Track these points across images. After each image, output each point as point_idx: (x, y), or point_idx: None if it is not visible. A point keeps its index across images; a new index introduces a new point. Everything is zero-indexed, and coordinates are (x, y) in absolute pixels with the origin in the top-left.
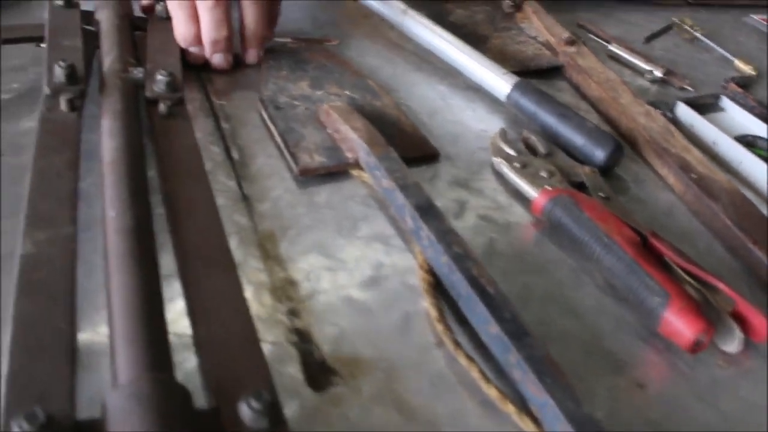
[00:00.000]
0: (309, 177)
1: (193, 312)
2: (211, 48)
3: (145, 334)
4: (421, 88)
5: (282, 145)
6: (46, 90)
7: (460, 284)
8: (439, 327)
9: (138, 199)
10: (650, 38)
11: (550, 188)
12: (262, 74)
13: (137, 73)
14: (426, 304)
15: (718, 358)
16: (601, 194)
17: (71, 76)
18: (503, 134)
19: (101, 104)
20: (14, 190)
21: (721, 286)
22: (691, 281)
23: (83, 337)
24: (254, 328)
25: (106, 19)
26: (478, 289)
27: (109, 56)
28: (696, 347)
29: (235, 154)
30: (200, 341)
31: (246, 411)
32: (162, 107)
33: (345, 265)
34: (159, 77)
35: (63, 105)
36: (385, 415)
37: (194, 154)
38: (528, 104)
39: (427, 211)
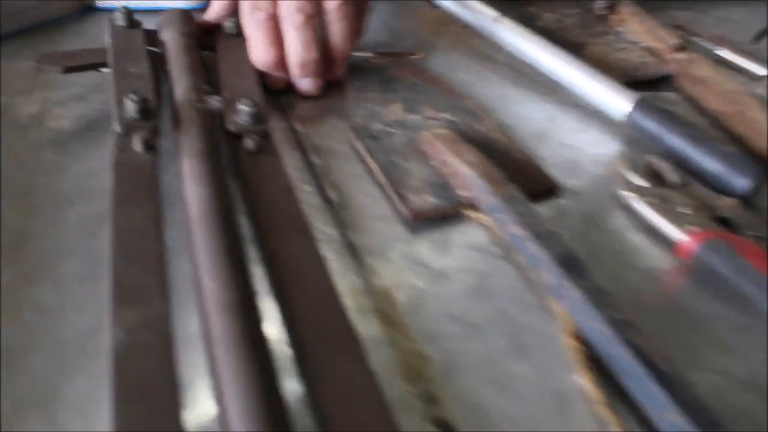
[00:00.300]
0: (420, 221)
1: (318, 405)
2: (299, 71)
3: None
4: (523, 107)
5: (385, 183)
6: (117, 128)
7: (623, 359)
8: (605, 412)
9: (240, 266)
10: (759, 37)
11: (699, 229)
12: (348, 97)
13: (214, 102)
14: (581, 381)
15: None
16: (752, 233)
17: (144, 111)
18: (628, 162)
19: (178, 141)
20: (92, 245)
21: None
22: None
23: None
24: (394, 423)
25: (171, 39)
26: (650, 367)
27: (180, 83)
28: None
29: (331, 194)
30: None
31: None
32: (249, 143)
33: (481, 333)
34: (242, 107)
35: (137, 145)
36: None
37: (291, 198)
38: (652, 125)
39: (572, 266)
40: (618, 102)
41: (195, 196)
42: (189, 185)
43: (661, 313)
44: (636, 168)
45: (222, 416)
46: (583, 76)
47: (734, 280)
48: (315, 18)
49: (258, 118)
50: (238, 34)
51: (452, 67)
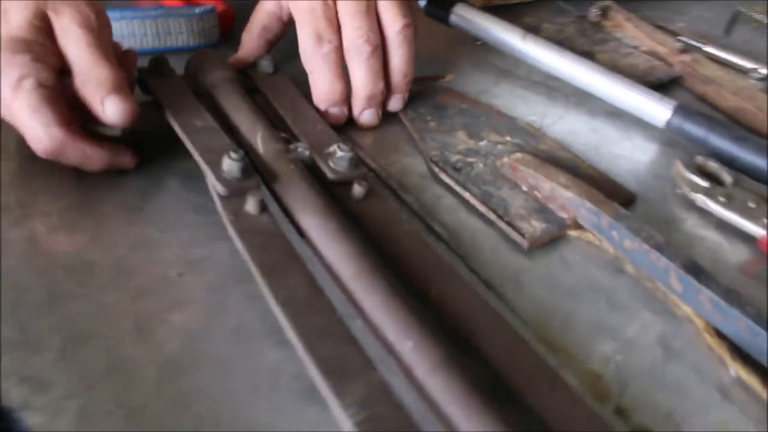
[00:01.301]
0: (534, 247)
1: None
2: (366, 104)
3: None
4: (569, 122)
5: (492, 215)
6: (221, 190)
7: (765, 340)
8: (752, 378)
9: (423, 320)
10: (728, 29)
11: None
12: (410, 128)
13: (303, 151)
14: (737, 372)
15: None
16: None
17: (247, 169)
18: (688, 165)
19: (281, 197)
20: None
21: None
22: None
23: None
24: None
25: (218, 83)
26: None
27: (253, 133)
28: None
29: (439, 230)
30: None
31: None
32: (359, 190)
33: (633, 342)
34: (339, 153)
35: (252, 207)
36: None
37: (423, 242)
38: (695, 129)
39: (698, 270)
40: (657, 109)
41: (338, 254)
42: (323, 242)
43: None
44: (690, 170)
45: None
46: (620, 87)
47: None
48: (380, 48)
49: (356, 162)
50: (275, 72)
51: (483, 87)
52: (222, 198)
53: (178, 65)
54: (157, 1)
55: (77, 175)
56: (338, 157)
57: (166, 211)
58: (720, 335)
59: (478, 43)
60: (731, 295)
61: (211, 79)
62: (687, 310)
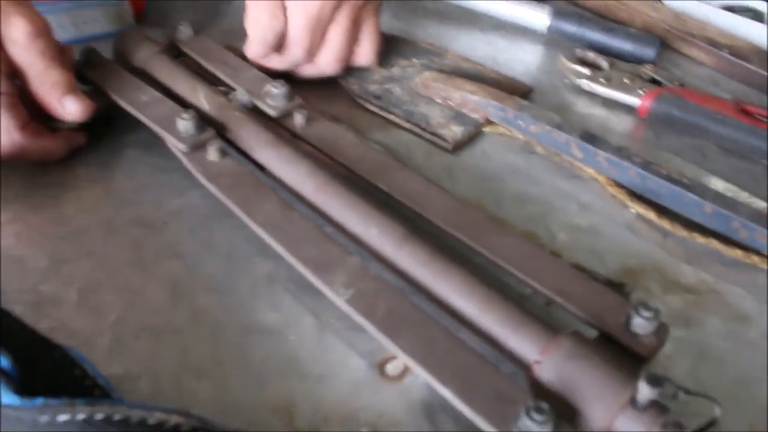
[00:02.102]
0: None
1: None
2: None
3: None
4: (465, 40)
5: (417, 129)
6: (182, 147)
7: (659, 186)
8: (659, 220)
9: (380, 208)
10: None
11: (647, 90)
12: None
13: (241, 97)
14: (635, 209)
15: None
16: (676, 83)
17: (200, 125)
18: (570, 58)
19: (236, 141)
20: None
21: None
22: None
23: None
24: None
25: (150, 58)
26: (679, 184)
27: (195, 93)
28: None
29: (376, 147)
30: None
31: None
32: (299, 118)
33: (553, 204)
34: (275, 91)
35: (213, 155)
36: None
37: (365, 146)
38: (572, 27)
39: (592, 138)
40: (538, 16)
41: (297, 175)
42: (282, 170)
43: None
44: (572, 62)
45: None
46: (503, 2)
47: (686, 116)
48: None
49: (291, 95)
50: (194, 36)
51: (382, 19)
52: (185, 154)
53: (103, 51)
54: None
55: None
56: (274, 94)
57: (134, 176)
58: (618, 185)
59: None
60: (621, 152)
61: (140, 56)
62: (589, 171)
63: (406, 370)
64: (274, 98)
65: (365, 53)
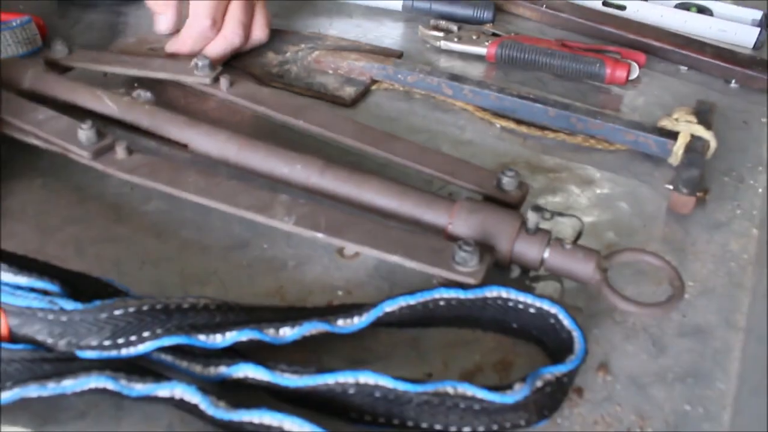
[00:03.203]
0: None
1: None
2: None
3: None
4: (336, 26)
5: (320, 94)
6: (87, 156)
7: (513, 104)
8: (523, 129)
9: (297, 147)
10: None
11: (491, 40)
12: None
13: (144, 93)
14: (500, 124)
15: None
16: (512, 34)
17: (99, 131)
18: (427, 26)
19: (155, 131)
20: None
21: (611, 48)
22: (599, 53)
23: None
24: None
25: (37, 78)
26: (528, 99)
27: (97, 99)
28: (628, 80)
29: None
30: None
31: None
32: (224, 81)
33: (438, 131)
34: (200, 63)
35: (122, 154)
36: None
37: (284, 94)
38: (423, 4)
39: (457, 77)
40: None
41: (218, 144)
42: (206, 140)
43: (494, 83)
44: (429, 29)
45: None
46: None
47: (525, 55)
48: None
49: (213, 65)
50: (70, 52)
51: None
52: (92, 161)
53: None
54: None
55: None
56: (201, 66)
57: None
58: (483, 110)
59: None
60: (481, 84)
61: (27, 79)
62: (459, 104)
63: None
64: (201, 69)
65: (260, 26)
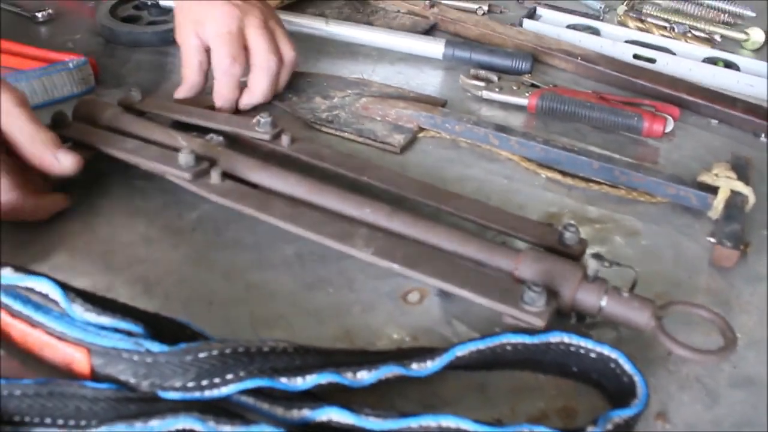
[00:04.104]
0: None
1: None
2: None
3: None
4: (379, 72)
5: (369, 141)
6: (187, 177)
7: (558, 155)
8: (568, 180)
9: (367, 194)
10: None
11: (532, 91)
12: (281, 106)
13: (217, 137)
14: (545, 175)
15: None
16: (550, 85)
17: (198, 157)
18: (467, 75)
19: (230, 168)
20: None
21: (646, 101)
22: (635, 106)
23: None
24: None
25: (115, 117)
26: (572, 151)
27: (172, 139)
28: (664, 134)
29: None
30: None
31: None
32: (285, 139)
33: (485, 179)
34: (263, 120)
35: (216, 179)
36: None
37: (343, 154)
38: (463, 53)
39: (503, 128)
40: (434, 47)
41: (288, 184)
42: (277, 182)
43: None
44: (470, 79)
45: None
46: (406, 40)
47: (564, 107)
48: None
49: (274, 122)
50: (143, 99)
51: (308, 65)
52: (190, 182)
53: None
54: (11, 68)
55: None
56: (263, 123)
57: (149, 199)
58: (528, 160)
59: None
60: (527, 135)
61: (105, 117)
62: (504, 153)
63: (422, 298)
64: (263, 126)
65: (286, 45)
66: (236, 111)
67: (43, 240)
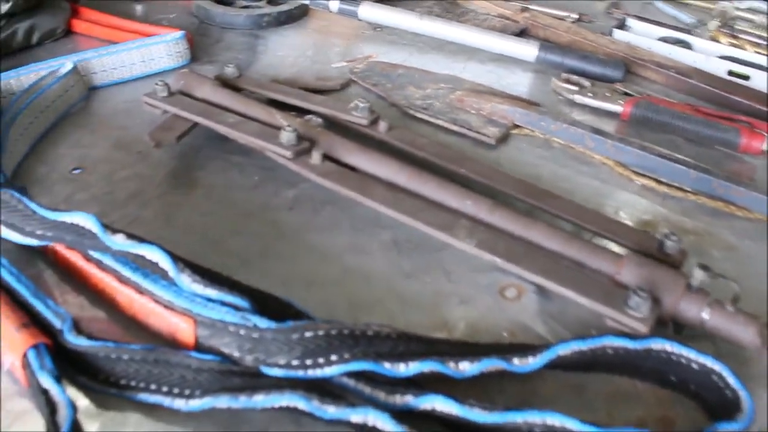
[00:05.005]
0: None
1: None
2: None
3: None
4: (469, 70)
5: (463, 130)
6: (288, 155)
7: (655, 163)
8: (664, 189)
9: (466, 187)
10: None
11: (626, 99)
12: (375, 91)
13: (316, 119)
14: (641, 182)
15: None
16: (644, 95)
17: (299, 135)
18: (559, 79)
19: (329, 149)
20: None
21: (742, 117)
22: (731, 121)
23: None
24: None
25: (213, 91)
26: (671, 159)
27: (271, 116)
28: (762, 152)
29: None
30: None
31: None
32: (383, 125)
33: (580, 181)
34: (361, 105)
35: (316, 159)
36: None
37: (440, 144)
38: (555, 57)
39: (600, 131)
40: (527, 49)
41: (388, 170)
42: (376, 167)
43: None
44: (562, 82)
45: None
46: (498, 39)
47: (660, 117)
48: None
49: (372, 109)
50: (240, 75)
51: (401, 58)
52: (291, 160)
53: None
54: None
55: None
56: (361, 108)
57: (247, 175)
58: (623, 166)
59: (378, 29)
60: (623, 140)
61: (203, 90)
62: (598, 157)
63: (520, 294)
64: (360, 111)
65: None
66: (324, 92)
67: (141, 211)
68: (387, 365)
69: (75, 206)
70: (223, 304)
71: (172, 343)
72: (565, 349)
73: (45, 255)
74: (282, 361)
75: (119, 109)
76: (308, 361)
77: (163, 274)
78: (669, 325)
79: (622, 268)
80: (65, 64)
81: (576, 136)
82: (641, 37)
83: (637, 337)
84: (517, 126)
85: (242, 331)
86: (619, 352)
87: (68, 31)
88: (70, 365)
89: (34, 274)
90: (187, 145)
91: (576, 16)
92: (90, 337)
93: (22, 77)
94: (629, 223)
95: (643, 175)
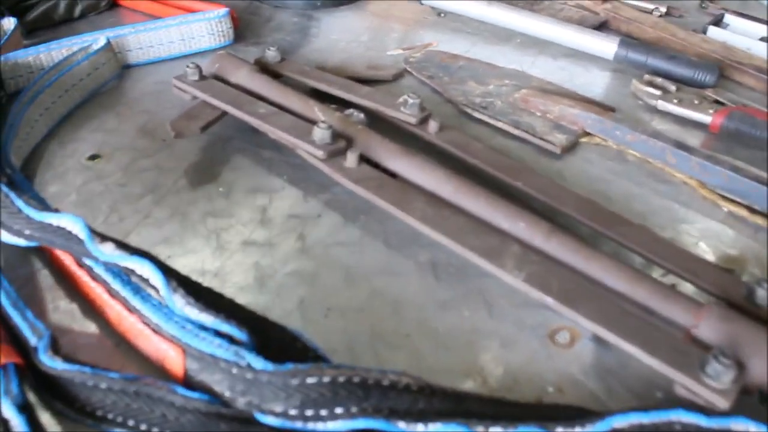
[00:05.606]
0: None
1: None
2: None
3: None
4: (540, 65)
5: (526, 135)
6: (320, 155)
7: (748, 187)
8: (757, 219)
9: (519, 204)
10: None
11: (717, 108)
12: (432, 84)
13: (357, 114)
14: (728, 209)
15: None
16: (739, 104)
17: (334, 134)
18: (641, 80)
19: (368, 150)
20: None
21: None
22: None
23: None
24: None
25: (249, 76)
26: (757, 179)
27: (309, 108)
28: None
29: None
30: None
31: None
32: (434, 125)
33: (654, 202)
34: (411, 101)
35: (351, 162)
36: None
37: (494, 151)
38: (638, 55)
39: (684, 146)
40: (605, 45)
41: (433, 179)
42: (420, 174)
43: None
44: (644, 85)
45: None
46: (574, 32)
47: (758, 133)
48: None
49: (422, 105)
50: (282, 60)
51: (464, 48)
52: (323, 161)
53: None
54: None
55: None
56: (410, 104)
57: (277, 174)
58: (708, 188)
59: (442, 15)
60: (712, 158)
61: (238, 75)
62: (680, 176)
63: (573, 340)
64: (410, 107)
65: None
66: (374, 82)
67: (154, 207)
68: (402, 425)
69: (86, 197)
70: (217, 334)
71: (161, 371)
72: (622, 422)
73: (42, 252)
74: (278, 409)
75: (149, 91)
76: (308, 412)
77: (154, 292)
78: (755, 395)
79: (701, 320)
80: (98, 40)
81: (655, 149)
82: (740, 36)
83: (714, 414)
84: (587, 133)
85: (234, 370)
86: (690, 430)
87: (113, 4)
88: (47, 388)
89: (27, 274)
90: (216, 134)
91: (664, 10)
92: (67, 358)
93: (53, 52)
94: (711, 258)
95: (733, 201)
